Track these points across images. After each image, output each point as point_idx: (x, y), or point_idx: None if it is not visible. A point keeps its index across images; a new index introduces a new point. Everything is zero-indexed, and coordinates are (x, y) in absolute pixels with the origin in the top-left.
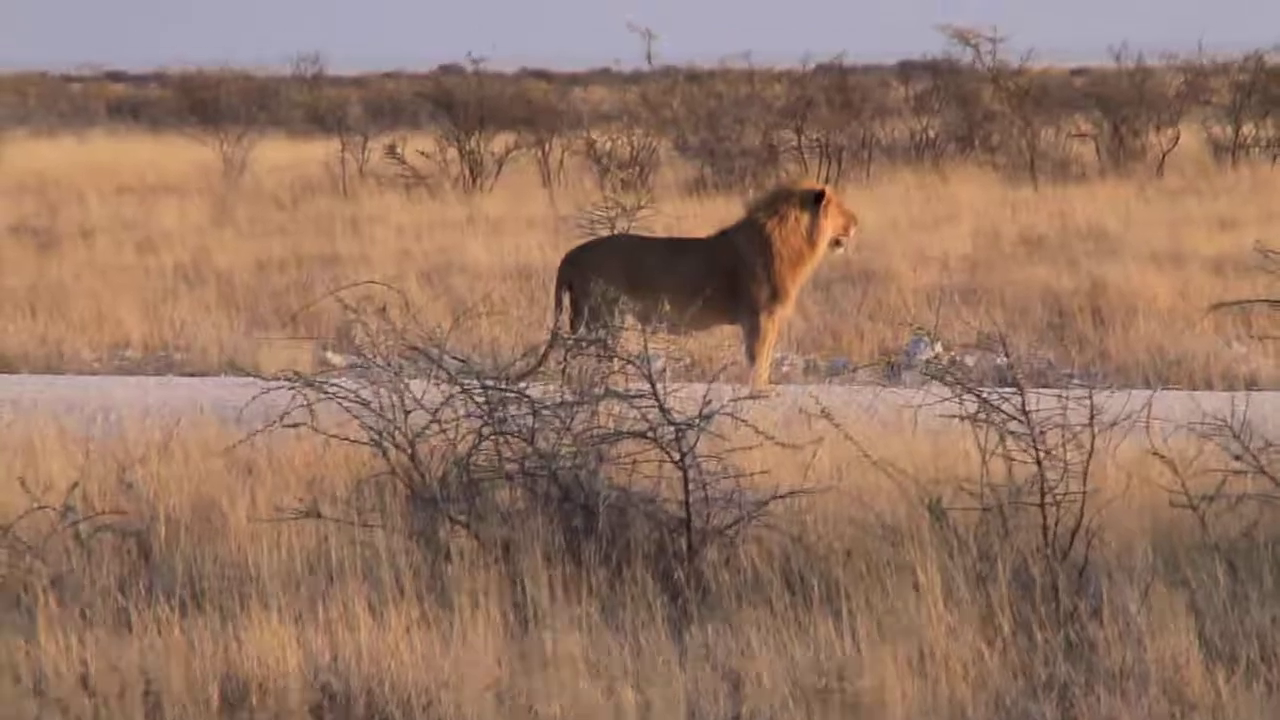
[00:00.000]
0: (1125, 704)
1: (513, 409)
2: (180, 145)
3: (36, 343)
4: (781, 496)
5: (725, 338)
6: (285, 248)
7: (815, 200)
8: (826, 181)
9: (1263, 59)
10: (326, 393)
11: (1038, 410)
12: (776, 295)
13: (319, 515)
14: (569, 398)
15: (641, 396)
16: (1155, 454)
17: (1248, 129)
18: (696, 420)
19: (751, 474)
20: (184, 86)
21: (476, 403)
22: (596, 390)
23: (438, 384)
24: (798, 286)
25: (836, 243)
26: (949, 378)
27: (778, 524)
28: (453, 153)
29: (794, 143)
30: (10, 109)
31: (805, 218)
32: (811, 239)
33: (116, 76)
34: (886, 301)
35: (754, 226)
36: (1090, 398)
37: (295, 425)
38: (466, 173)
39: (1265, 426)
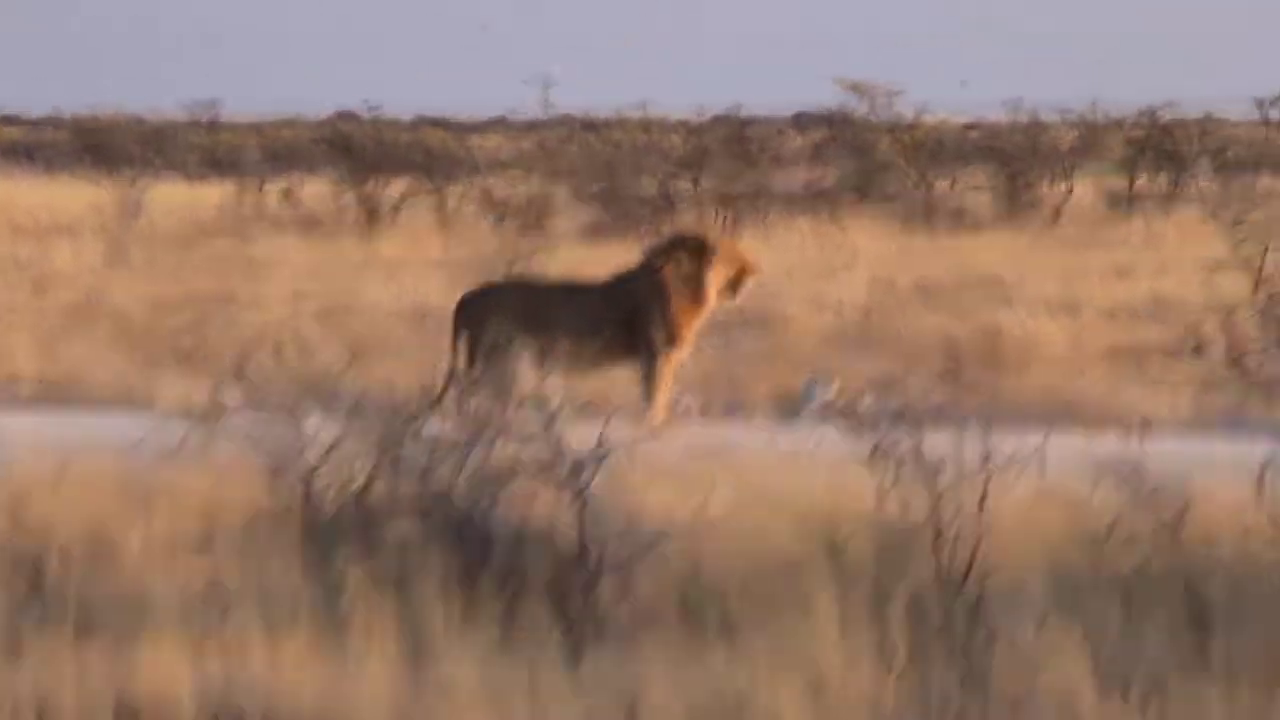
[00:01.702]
0: None
1: (409, 446)
2: (75, 187)
3: None
4: (677, 531)
5: (621, 379)
6: (180, 288)
7: (707, 248)
8: (724, 229)
9: (1156, 115)
10: (222, 428)
11: (932, 451)
12: (672, 339)
13: (213, 547)
14: (465, 435)
15: (538, 435)
16: (1049, 493)
17: (1142, 182)
18: (593, 455)
19: (647, 511)
20: (79, 129)
21: (372, 440)
22: (492, 427)
23: (333, 420)
24: (693, 331)
25: (731, 290)
26: (845, 418)
27: (673, 558)
28: (349, 197)
29: (690, 192)
30: None
31: (698, 265)
32: (703, 286)
33: (10, 120)
34: (783, 346)
35: (650, 272)
36: (984, 436)
37: (190, 460)
38: (364, 217)
39: (1158, 468)
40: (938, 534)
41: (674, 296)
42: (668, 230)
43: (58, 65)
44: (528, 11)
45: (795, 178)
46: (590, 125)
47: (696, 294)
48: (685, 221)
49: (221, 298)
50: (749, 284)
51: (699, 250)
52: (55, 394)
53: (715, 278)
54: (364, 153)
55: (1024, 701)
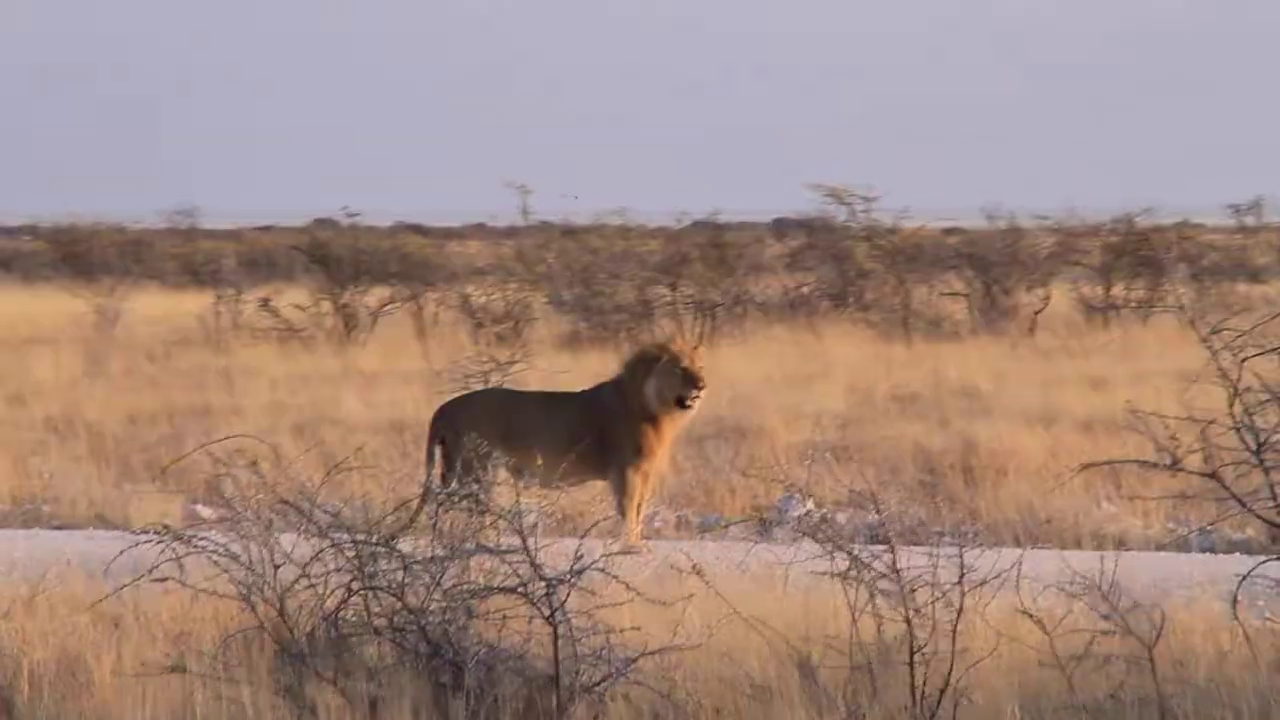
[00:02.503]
0: None
1: (383, 564)
2: (53, 297)
3: None
4: (651, 653)
5: (597, 492)
6: (157, 400)
7: (654, 360)
8: (700, 338)
9: (1133, 221)
10: (196, 546)
11: (908, 568)
12: (638, 452)
13: (185, 671)
14: (440, 552)
15: (513, 551)
16: (1024, 613)
17: (1118, 289)
18: (568, 576)
19: (621, 630)
20: (57, 239)
21: (347, 557)
22: (468, 545)
23: (308, 538)
24: (661, 443)
25: (680, 403)
26: (820, 535)
27: (647, 681)
28: (327, 306)
29: (668, 298)
30: None
31: (649, 377)
32: (654, 398)
33: None
34: (759, 457)
35: (617, 384)
36: (960, 556)
37: (163, 579)
38: (341, 326)
39: (1133, 586)
40: (911, 655)
41: (634, 409)
42: (635, 342)
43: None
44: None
45: (773, 285)
46: (569, 231)
47: (650, 407)
48: (654, 333)
49: (198, 410)
50: (697, 399)
51: (648, 363)
52: (29, 511)
53: (654, 392)
54: (341, 261)
55: None
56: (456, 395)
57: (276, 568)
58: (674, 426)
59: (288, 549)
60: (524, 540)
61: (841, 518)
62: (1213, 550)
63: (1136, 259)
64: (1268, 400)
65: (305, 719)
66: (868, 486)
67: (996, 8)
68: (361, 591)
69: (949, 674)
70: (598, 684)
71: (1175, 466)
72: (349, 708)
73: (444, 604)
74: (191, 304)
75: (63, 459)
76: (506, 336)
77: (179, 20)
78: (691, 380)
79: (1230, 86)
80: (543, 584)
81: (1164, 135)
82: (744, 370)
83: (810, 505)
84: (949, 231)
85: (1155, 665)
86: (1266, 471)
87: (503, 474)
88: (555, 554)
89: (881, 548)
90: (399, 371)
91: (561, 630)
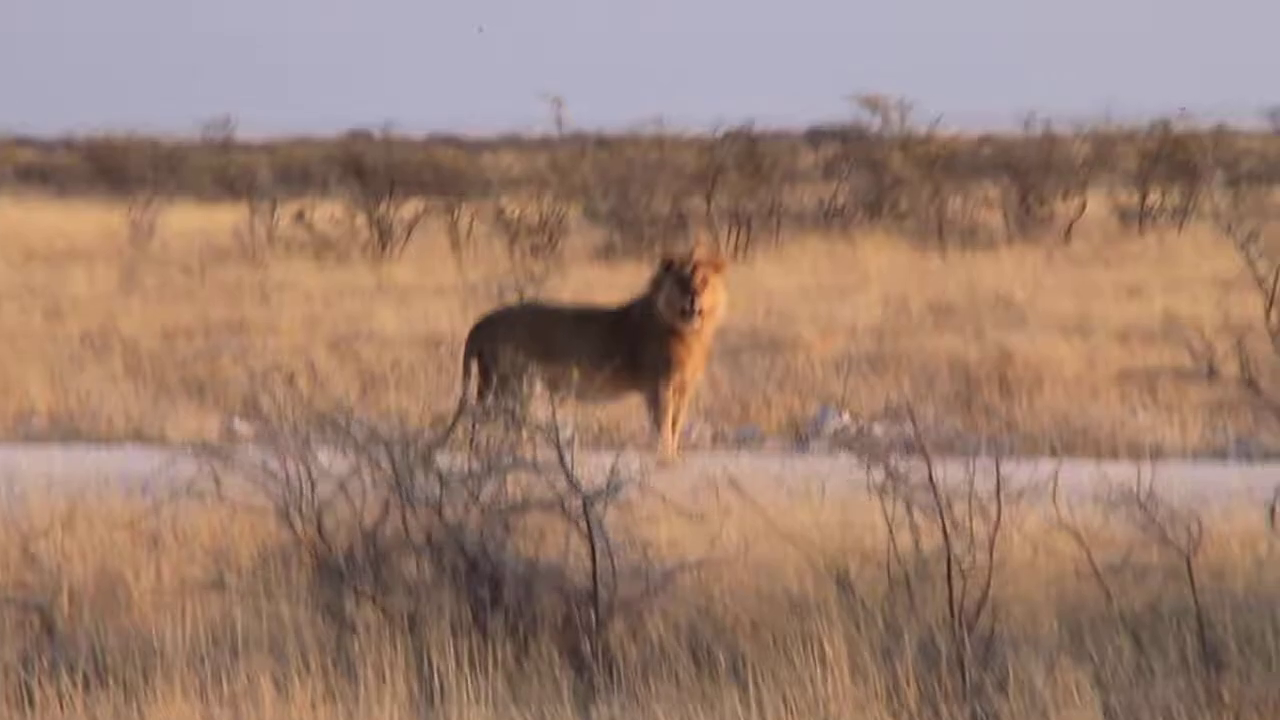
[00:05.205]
0: None
1: (420, 479)
2: (88, 211)
3: None
4: (688, 568)
5: (633, 406)
6: (193, 314)
7: (688, 269)
8: (735, 249)
9: (1169, 126)
10: (233, 463)
11: (944, 481)
12: (669, 365)
13: (224, 587)
14: (477, 467)
15: (550, 466)
16: (1061, 525)
17: (1154, 196)
18: (605, 491)
19: (659, 545)
20: (92, 152)
21: (384, 473)
22: (505, 460)
23: (345, 453)
24: (690, 355)
25: (684, 314)
26: (856, 447)
27: (685, 596)
28: (362, 219)
29: (703, 209)
30: None
31: (682, 287)
32: (664, 310)
33: (24, 142)
34: (795, 370)
35: (646, 299)
36: (997, 467)
37: (201, 495)
38: (376, 239)
39: (1170, 497)
40: (949, 568)
41: (658, 322)
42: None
43: (70, 86)
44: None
45: (808, 195)
46: (603, 142)
47: (670, 317)
48: (688, 244)
49: (234, 325)
50: (705, 312)
51: (677, 273)
52: (66, 428)
53: (667, 303)
54: (376, 174)
55: None
56: (492, 310)
57: (314, 484)
58: (698, 338)
59: (325, 465)
60: (561, 455)
61: (878, 430)
62: (1250, 459)
63: (1172, 165)
64: None
65: (344, 635)
66: (904, 398)
67: None
68: (399, 507)
69: (986, 586)
70: (636, 599)
71: (1212, 375)
72: (387, 623)
73: (481, 519)
74: (226, 217)
75: (99, 375)
76: (541, 248)
77: None
78: (687, 290)
79: None
80: (580, 499)
81: (1201, 38)
82: (779, 282)
83: (846, 418)
84: (983, 140)
85: (1193, 575)
86: None
87: (539, 388)
88: (592, 468)
89: (918, 460)
90: (433, 285)
91: (599, 545)
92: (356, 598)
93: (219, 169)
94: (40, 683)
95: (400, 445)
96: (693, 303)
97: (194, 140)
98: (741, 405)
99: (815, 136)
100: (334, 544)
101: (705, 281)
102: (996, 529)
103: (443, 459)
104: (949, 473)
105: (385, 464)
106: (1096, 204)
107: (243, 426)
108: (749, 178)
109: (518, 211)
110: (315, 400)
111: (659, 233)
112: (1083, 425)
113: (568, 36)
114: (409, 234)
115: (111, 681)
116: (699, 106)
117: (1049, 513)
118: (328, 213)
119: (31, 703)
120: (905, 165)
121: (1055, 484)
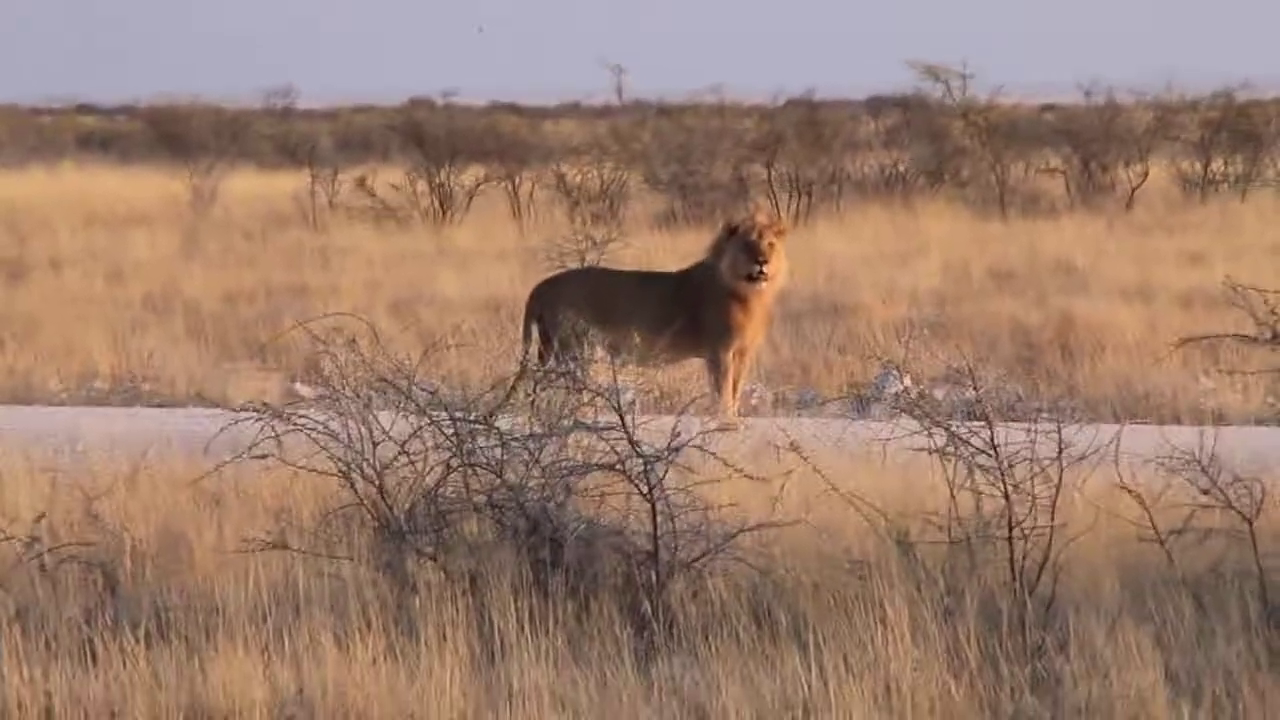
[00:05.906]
0: None
1: (481, 441)
2: (149, 177)
3: (4, 374)
4: (750, 529)
5: (694, 370)
6: (254, 279)
7: (751, 234)
8: (796, 216)
9: (1232, 96)
10: (295, 424)
11: (1006, 444)
12: (730, 329)
13: (286, 547)
14: (537, 430)
15: (610, 429)
16: (1123, 488)
17: (1216, 165)
18: (665, 453)
19: (719, 507)
20: (154, 119)
21: (445, 435)
22: (565, 422)
23: (406, 416)
24: (751, 320)
25: (750, 278)
26: (918, 411)
27: (745, 557)
28: (423, 185)
29: (764, 177)
30: None
31: (744, 252)
32: (728, 274)
33: (86, 109)
34: (856, 334)
35: (707, 263)
36: (1058, 431)
37: (263, 456)
38: (436, 205)
39: (1232, 461)
40: (1010, 530)
41: (721, 286)
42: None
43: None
44: None
45: (869, 162)
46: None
47: (734, 282)
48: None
49: (295, 289)
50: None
51: (743, 237)
52: (128, 390)
53: (730, 267)
54: (437, 141)
55: (1096, 707)
56: (552, 274)
57: (375, 445)
58: (760, 303)
59: (386, 426)
60: (621, 417)
61: (939, 394)
62: None
63: (1235, 134)
64: None
65: (406, 595)
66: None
67: None
68: (460, 468)
69: (1048, 549)
70: (696, 559)
71: (1275, 340)
72: (449, 583)
73: (542, 481)
74: (287, 184)
75: (161, 337)
76: (602, 215)
77: None
78: (754, 254)
79: None
80: (640, 461)
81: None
82: (840, 248)
83: (907, 381)
84: (1045, 108)
85: (1255, 539)
86: None
87: (599, 352)
88: (653, 431)
89: (979, 424)
90: (494, 250)
91: (660, 507)
92: (418, 557)
93: (280, 136)
94: (103, 639)
95: (462, 408)
96: (761, 267)
97: (255, 108)
98: (802, 369)
99: (876, 105)
100: (395, 504)
101: (772, 246)
102: (1058, 492)
103: (504, 422)
104: (1010, 436)
105: (447, 426)
106: (1158, 173)
107: (304, 389)
108: (809, 146)
109: (579, 178)
110: (377, 363)
111: (720, 200)
112: (1144, 390)
113: (628, 5)
114: (470, 201)
115: (174, 638)
116: (759, 76)
117: (1110, 476)
118: (389, 179)
119: (95, 659)
120: (966, 134)
121: (1117, 447)
